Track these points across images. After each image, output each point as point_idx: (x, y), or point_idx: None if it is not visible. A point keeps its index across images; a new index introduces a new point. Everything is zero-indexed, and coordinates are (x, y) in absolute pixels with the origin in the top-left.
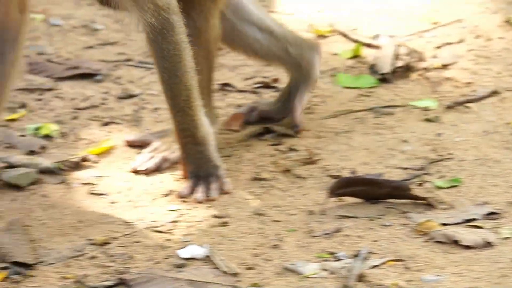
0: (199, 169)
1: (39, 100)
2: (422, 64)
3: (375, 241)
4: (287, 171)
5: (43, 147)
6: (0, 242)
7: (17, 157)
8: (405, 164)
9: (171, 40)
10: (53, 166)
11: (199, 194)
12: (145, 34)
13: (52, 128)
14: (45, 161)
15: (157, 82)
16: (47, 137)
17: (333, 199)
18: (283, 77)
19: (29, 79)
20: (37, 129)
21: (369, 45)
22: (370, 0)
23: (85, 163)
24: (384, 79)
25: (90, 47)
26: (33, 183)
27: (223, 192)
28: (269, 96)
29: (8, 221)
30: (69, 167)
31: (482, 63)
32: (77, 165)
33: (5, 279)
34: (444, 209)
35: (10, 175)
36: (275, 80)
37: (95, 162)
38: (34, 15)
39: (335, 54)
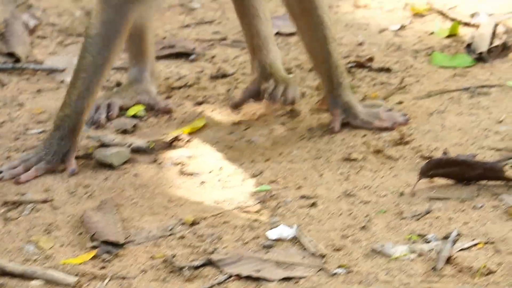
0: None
1: None
2: None
3: (465, 223)
4: (378, 151)
5: (135, 126)
6: (91, 221)
7: (110, 136)
8: (500, 145)
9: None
10: (145, 145)
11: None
12: None
13: (138, 109)
14: (137, 140)
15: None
16: (138, 117)
17: (424, 180)
18: (378, 56)
19: (123, 58)
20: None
21: (466, 24)
22: None
23: (177, 142)
24: (480, 59)
25: (187, 25)
26: (125, 162)
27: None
28: (363, 76)
29: (100, 200)
30: (161, 147)
31: None
32: (169, 145)
33: (95, 257)
34: None
35: (103, 154)
36: (370, 60)
37: (188, 141)
38: None
39: (432, 33)
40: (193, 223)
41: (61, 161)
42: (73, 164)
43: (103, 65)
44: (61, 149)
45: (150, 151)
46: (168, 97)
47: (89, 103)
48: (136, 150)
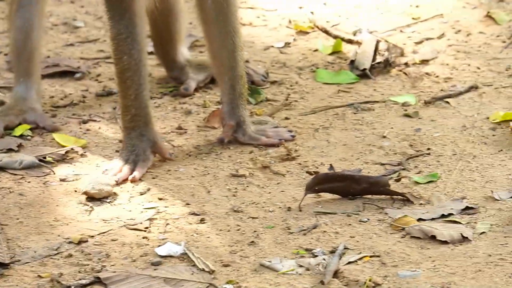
0: None
1: None
2: (402, 60)
3: (352, 237)
4: (265, 167)
5: (20, 145)
6: None
7: None
8: (384, 160)
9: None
10: (36, 162)
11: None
12: None
13: (25, 128)
14: (27, 157)
15: None
16: (23, 136)
17: (311, 195)
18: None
19: (6, 77)
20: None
21: (349, 41)
22: None
23: (70, 155)
24: (364, 75)
25: (71, 44)
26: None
27: None
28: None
29: None
30: (50, 163)
31: (461, 58)
32: (63, 158)
33: None
34: (421, 204)
35: None
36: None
37: (81, 155)
38: None
39: (316, 50)
40: (80, 242)
41: (153, 153)
42: (166, 149)
43: (140, 55)
44: (148, 143)
45: (39, 168)
46: (54, 116)
47: (147, 92)
48: (27, 167)
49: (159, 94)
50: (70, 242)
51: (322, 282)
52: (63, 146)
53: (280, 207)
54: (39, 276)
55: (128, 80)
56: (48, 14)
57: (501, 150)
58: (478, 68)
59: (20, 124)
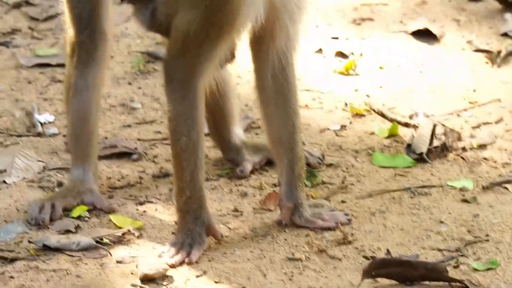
0: None
1: None
2: (459, 144)
3: None
4: (321, 251)
5: (77, 227)
6: None
7: (54, 237)
8: (441, 246)
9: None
10: (93, 244)
11: None
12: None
13: (82, 209)
14: (83, 239)
15: None
16: (81, 218)
17: (368, 280)
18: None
19: (64, 158)
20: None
21: (406, 124)
22: (406, 79)
23: (126, 237)
24: (420, 159)
25: (128, 125)
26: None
27: None
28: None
29: None
30: (110, 242)
31: None
32: (119, 240)
33: None
34: None
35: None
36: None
37: (137, 237)
38: None
39: (372, 133)
40: None
41: (207, 235)
42: (219, 231)
43: (199, 137)
44: (202, 226)
45: (96, 249)
46: (110, 197)
47: (203, 175)
48: (84, 249)
49: (215, 176)
50: None
51: None
52: (120, 228)
53: None
54: None
55: (185, 162)
56: (106, 96)
57: None
58: None
59: (77, 205)
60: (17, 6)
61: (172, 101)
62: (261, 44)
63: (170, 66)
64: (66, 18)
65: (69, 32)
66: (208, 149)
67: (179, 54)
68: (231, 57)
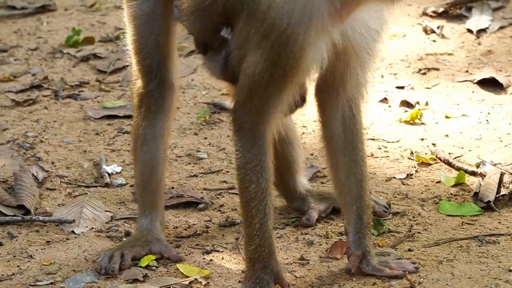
0: None
1: None
2: None
3: None
4: None
5: (145, 276)
6: None
7: (122, 286)
8: None
9: None
10: None
11: None
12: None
13: (150, 259)
14: None
15: None
16: (149, 267)
17: None
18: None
19: (132, 208)
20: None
21: (472, 173)
22: (472, 128)
23: (195, 285)
24: (488, 207)
25: (194, 175)
26: None
27: None
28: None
29: None
30: None
31: None
32: None
33: None
34: None
35: None
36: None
37: (205, 285)
38: None
39: (438, 182)
40: None
41: (275, 283)
42: (286, 281)
43: (268, 184)
44: (271, 274)
45: None
46: (177, 246)
47: (272, 222)
48: None
49: (281, 224)
50: None
51: None
52: (187, 277)
53: None
54: None
55: (254, 209)
56: (173, 146)
57: None
58: None
59: (146, 254)
60: (85, 59)
61: (241, 148)
62: (329, 91)
63: (238, 113)
64: (134, 70)
65: (137, 83)
66: (274, 198)
67: (247, 100)
68: (302, 101)
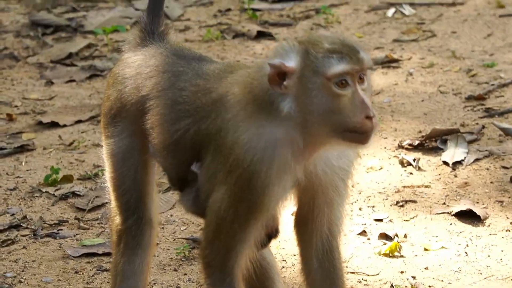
0: None
1: None
2: None
3: None
4: None
5: None
6: None
7: None
8: None
9: None
10: None
11: None
12: None
13: None
14: None
15: None
16: None
17: None
18: None
19: None
20: None
21: None
22: (452, 261)
23: None
24: None
25: None
26: None
27: None
28: None
29: None
30: None
31: None
32: None
33: None
34: None
35: None
36: None
37: None
38: None
39: None
40: None
41: None
42: None
43: None
44: None
45: None
46: None
47: None
48: None
49: None
50: None
51: None
52: None
53: None
54: None
55: None
56: (152, 283)
57: None
58: None
59: None
60: (64, 197)
61: (210, 286)
62: (306, 226)
63: (206, 250)
64: (113, 207)
65: (116, 220)
66: None
67: (214, 237)
68: (276, 232)
